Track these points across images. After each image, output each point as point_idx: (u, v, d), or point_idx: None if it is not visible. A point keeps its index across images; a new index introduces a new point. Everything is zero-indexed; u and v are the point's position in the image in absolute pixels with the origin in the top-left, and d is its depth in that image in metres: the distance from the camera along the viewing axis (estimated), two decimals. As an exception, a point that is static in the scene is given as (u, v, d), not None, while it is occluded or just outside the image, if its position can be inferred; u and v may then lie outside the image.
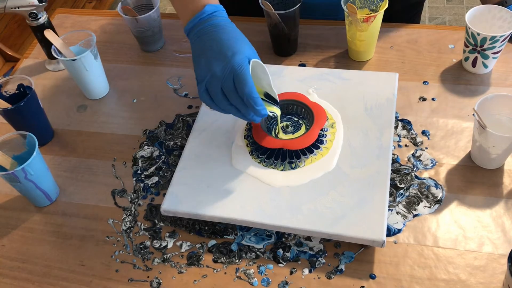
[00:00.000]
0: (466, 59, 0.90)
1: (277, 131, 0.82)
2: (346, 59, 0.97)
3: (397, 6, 0.94)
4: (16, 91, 0.88)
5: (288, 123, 0.84)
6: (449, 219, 0.74)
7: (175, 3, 0.80)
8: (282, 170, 0.78)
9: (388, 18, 0.90)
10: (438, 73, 0.93)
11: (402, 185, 0.78)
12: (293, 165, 0.78)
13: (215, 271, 0.73)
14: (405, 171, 0.80)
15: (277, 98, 0.78)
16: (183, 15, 0.77)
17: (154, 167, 0.86)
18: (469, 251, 0.71)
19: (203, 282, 0.72)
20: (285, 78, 0.90)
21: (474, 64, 0.90)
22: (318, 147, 0.79)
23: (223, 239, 0.76)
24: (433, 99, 0.89)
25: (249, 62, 0.71)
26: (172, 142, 0.89)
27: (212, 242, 0.75)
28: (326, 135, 0.81)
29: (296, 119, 0.84)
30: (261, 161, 0.79)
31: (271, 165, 0.79)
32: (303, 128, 0.82)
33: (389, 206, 0.76)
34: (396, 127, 0.85)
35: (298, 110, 0.84)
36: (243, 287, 0.71)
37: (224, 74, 0.70)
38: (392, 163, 0.80)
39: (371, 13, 0.91)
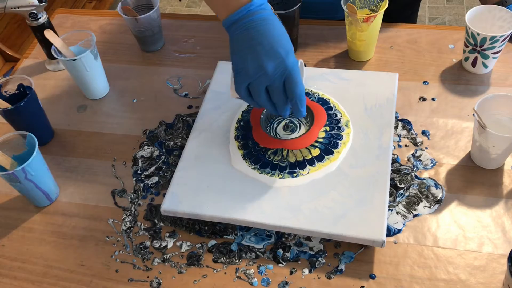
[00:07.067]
0: (466, 59, 0.90)
1: (298, 133, 0.81)
2: (346, 59, 0.97)
3: (393, 4, 0.94)
4: (16, 91, 0.88)
5: (287, 121, 0.83)
6: (449, 219, 0.74)
7: None
8: (281, 178, 0.77)
9: (384, 17, 0.90)
10: (438, 73, 0.93)
11: (402, 185, 0.78)
12: (294, 175, 0.77)
13: (215, 271, 0.73)
14: (405, 171, 0.79)
15: None
16: (226, 6, 0.73)
17: (154, 167, 0.86)
18: (469, 251, 0.71)
19: (203, 282, 0.72)
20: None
21: (474, 64, 0.90)
22: (331, 153, 0.78)
23: (223, 239, 0.76)
24: (433, 99, 0.89)
25: None
26: (172, 142, 0.88)
27: (212, 242, 0.75)
28: (342, 136, 0.80)
29: (296, 119, 0.84)
30: (255, 169, 0.78)
31: (267, 173, 0.77)
32: (303, 128, 0.82)
33: (389, 206, 0.75)
34: (396, 127, 0.85)
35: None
36: (243, 287, 0.71)
37: (276, 72, 0.68)
38: (392, 163, 0.80)
39: (371, 13, 0.91)
